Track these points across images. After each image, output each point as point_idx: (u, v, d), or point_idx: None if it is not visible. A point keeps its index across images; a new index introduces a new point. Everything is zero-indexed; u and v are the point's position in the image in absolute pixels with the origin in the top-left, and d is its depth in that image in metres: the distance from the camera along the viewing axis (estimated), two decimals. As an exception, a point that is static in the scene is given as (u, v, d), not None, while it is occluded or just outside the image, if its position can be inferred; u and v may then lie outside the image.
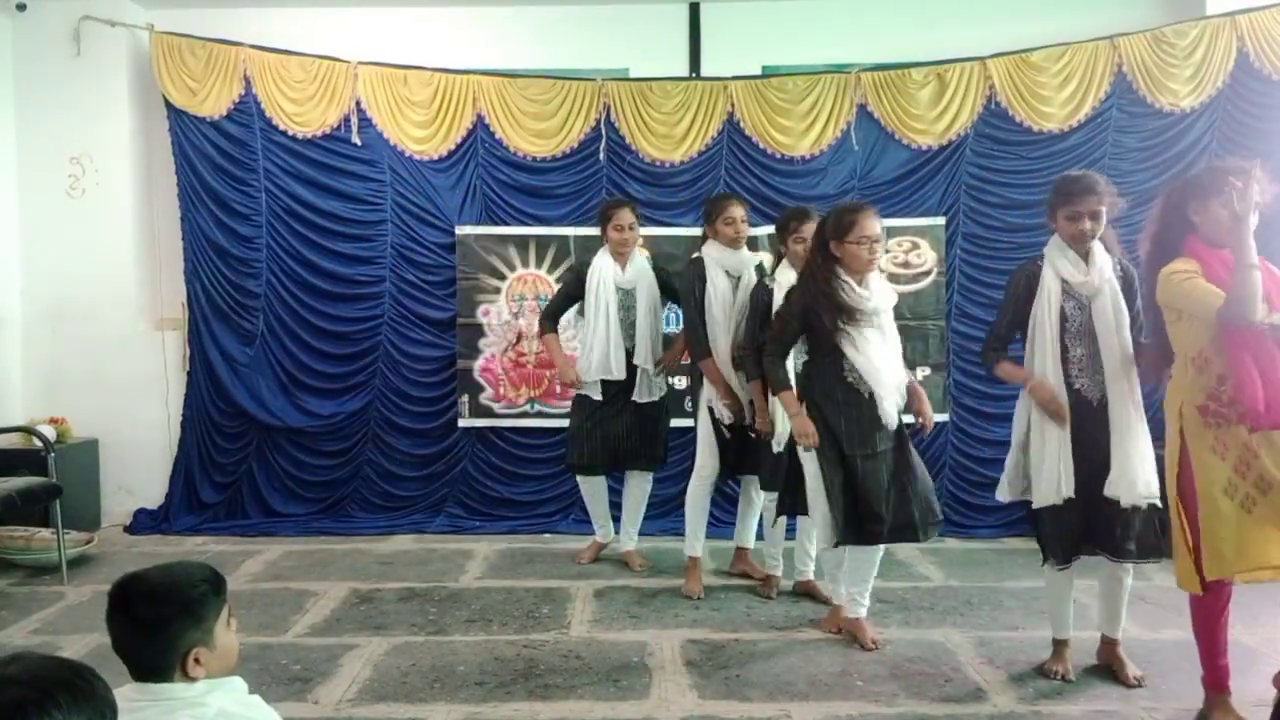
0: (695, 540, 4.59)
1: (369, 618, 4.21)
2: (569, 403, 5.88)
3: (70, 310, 5.93)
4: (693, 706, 3.26)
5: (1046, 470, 3.29)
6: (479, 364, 5.94)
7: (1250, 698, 3.08)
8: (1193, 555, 2.93)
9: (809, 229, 4.13)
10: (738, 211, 4.47)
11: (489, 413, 5.95)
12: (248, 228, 5.89)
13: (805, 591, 4.43)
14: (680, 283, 4.69)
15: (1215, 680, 3.02)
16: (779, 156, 5.89)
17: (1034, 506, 3.35)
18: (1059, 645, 3.50)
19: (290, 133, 5.88)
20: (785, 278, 4.20)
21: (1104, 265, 3.32)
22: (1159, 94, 5.63)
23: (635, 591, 4.56)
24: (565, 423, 5.88)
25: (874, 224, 3.64)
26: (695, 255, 4.64)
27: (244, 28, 5.99)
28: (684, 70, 6.15)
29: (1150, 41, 5.64)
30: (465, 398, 5.94)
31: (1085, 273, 3.29)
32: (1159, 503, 3.18)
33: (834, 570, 3.95)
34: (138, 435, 5.98)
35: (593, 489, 5.07)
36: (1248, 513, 2.82)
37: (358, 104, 5.89)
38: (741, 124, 5.88)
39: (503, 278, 5.93)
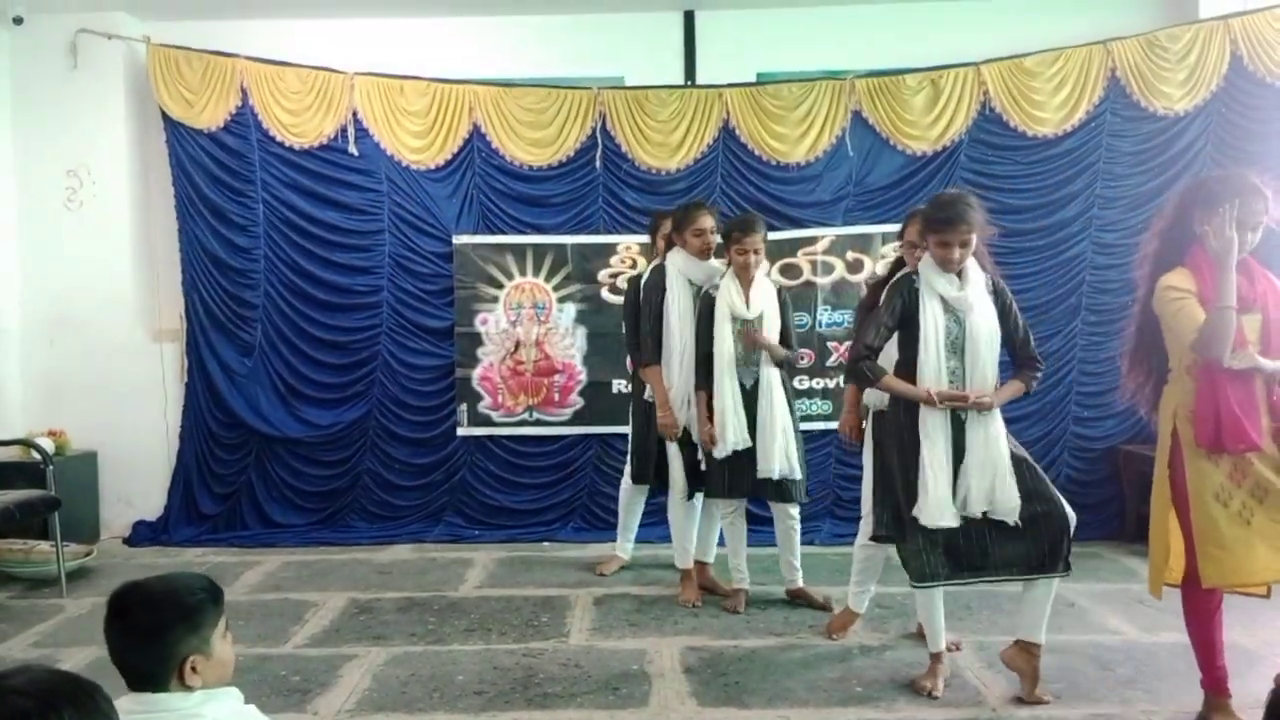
0: (684, 554, 4.57)
1: (368, 628, 4.21)
2: (567, 411, 5.93)
3: (69, 322, 5.94)
4: (692, 714, 3.27)
5: (935, 488, 3.22)
6: (477, 373, 5.94)
7: (1249, 700, 3.07)
8: (1185, 558, 2.95)
9: (751, 241, 4.14)
10: (708, 222, 4.36)
11: (488, 421, 5.95)
12: (245, 239, 5.90)
13: (798, 596, 4.41)
14: (642, 289, 4.60)
15: (1214, 683, 3.03)
16: (774, 163, 5.89)
17: (924, 524, 3.23)
18: (934, 659, 3.46)
19: (287, 143, 5.88)
20: (728, 286, 4.21)
21: (977, 281, 3.33)
22: (1153, 98, 5.64)
23: (634, 599, 4.56)
24: (563, 430, 5.92)
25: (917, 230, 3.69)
26: (657, 262, 4.59)
27: (240, 39, 6.00)
28: (679, 78, 6.16)
29: (1143, 45, 5.65)
30: (464, 406, 5.93)
31: (960, 288, 3.30)
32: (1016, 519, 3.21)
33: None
34: (136, 447, 5.98)
35: (636, 501, 5.01)
36: (1246, 524, 2.83)
37: (354, 114, 5.89)
38: (737, 131, 5.88)
39: (500, 286, 5.94)
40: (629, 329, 4.71)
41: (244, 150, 5.87)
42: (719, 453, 4.18)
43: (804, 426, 5.28)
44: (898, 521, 3.41)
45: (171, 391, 6.04)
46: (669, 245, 4.56)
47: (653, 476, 4.64)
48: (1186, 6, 5.91)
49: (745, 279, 4.21)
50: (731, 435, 4.15)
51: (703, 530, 4.63)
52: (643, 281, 4.65)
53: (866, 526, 3.86)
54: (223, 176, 5.87)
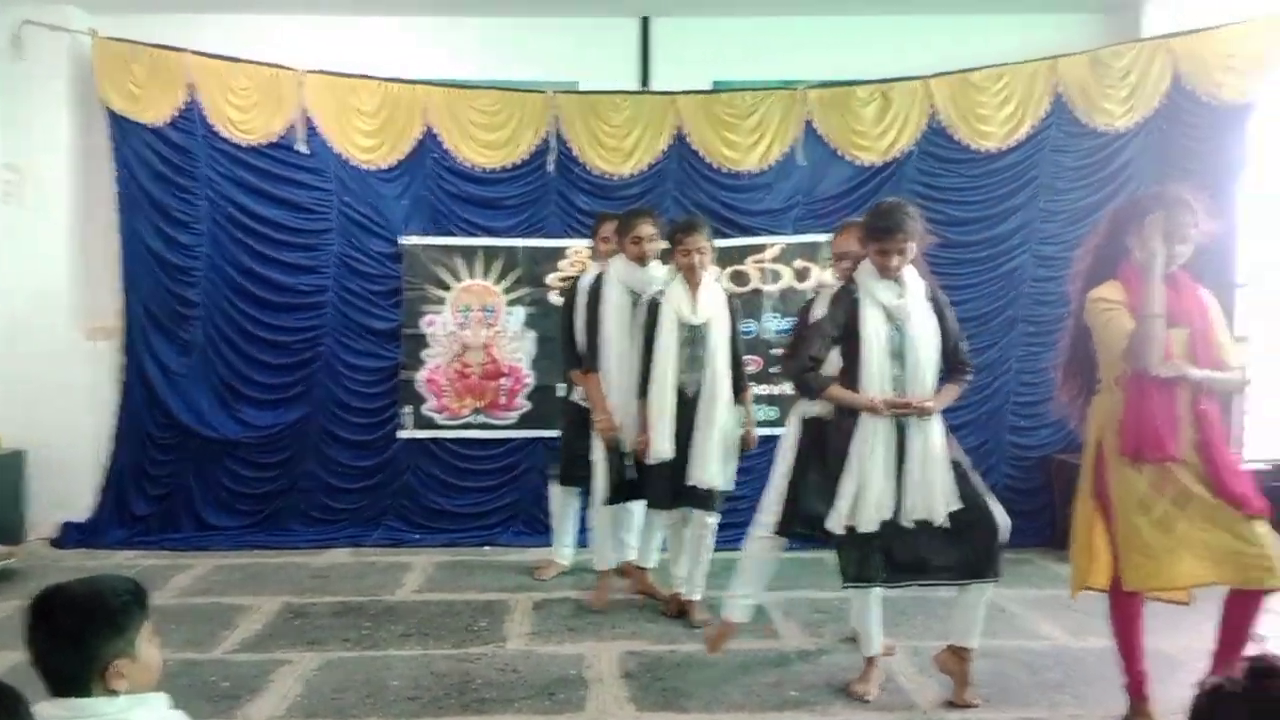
0: (602, 557, 4.56)
1: (302, 632, 4.14)
2: (514, 414, 5.90)
3: (1, 318, 5.78)
4: (630, 718, 3.26)
5: (872, 493, 3.27)
6: (422, 375, 5.89)
7: (1174, 706, 3.13)
8: (1112, 563, 3.02)
9: (693, 240, 4.11)
10: (646, 230, 4.33)
11: (431, 424, 5.89)
12: (188, 235, 5.80)
13: (685, 610, 4.30)
14: (578, 294, 4.60)
15: (1134, 687, 3.10)
16: (726, 171, 5.92)
17: (859, 531, 3.29)
18: (869, 664, 3.50)
19: (234, 140, 5.79)
20: (674, 292, 4.16)
21: (916, 289, 3.40)
22: (1095, 114, 5.76)
23: (573, 604, 4.54)
24: (509, 434, 5.90)
25: (844, 242, 3.79)
26: (601, 269, 4.56)
27: (189, 35, 5.90)
28: (634, 84, 6.18)
29: (1087, 63, 5.77)
30: (408, 409, 5.87)
31: (900, 295, 3.36)
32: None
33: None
34: (68, 447, 5.82)
35: (568, 504, 4.98)
36: (1168, 531, 2.89)
37: (304, 113, 5.82)
38: (689, 139, 5.91)
39: (448, 288, 5.89)
40: (562, 333, 4.73)
41: (190, 146, 5.77)
42: (650, 459, 4.13)
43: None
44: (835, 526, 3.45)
45: (106, 391, 5.91)
46: (609, 247, 4.57)
47: (583, 480, 4.62)
48: (1129, 26, 6.04)
49: (693, 282, 4.16)
50: (658, 443, 4.10)
51: (644, 536, 4.62)
52: (579, 285, 4.65)
53: (765, 519, 3.76)
54: (166, 172, 5.77)
